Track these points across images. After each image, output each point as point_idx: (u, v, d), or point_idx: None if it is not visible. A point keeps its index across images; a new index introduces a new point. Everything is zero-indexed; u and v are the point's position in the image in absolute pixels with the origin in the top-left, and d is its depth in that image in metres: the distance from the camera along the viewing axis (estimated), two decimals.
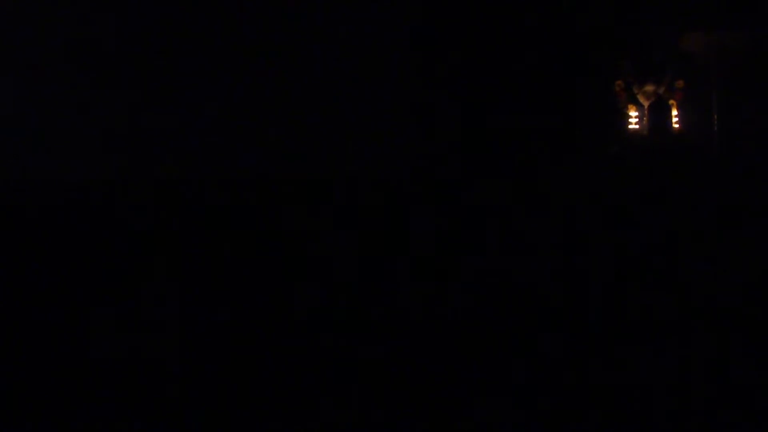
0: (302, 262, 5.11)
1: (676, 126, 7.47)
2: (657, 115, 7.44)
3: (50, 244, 5.53)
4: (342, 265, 5.07)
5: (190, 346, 3.70)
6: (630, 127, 7.51)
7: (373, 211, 6.15)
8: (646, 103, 7.50)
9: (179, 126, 7.99)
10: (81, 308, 4.28)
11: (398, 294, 4.60)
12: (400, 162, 7.40)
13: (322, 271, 4.99)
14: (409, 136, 7.52)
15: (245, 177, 7.41)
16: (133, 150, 7.95)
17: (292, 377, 3.35)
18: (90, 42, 8.11)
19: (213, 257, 5.29)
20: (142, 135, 8.01)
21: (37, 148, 8.04)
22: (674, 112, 7.47)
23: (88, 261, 5.19)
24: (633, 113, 7.51)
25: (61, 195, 6.86)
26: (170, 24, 8.07)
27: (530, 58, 7.43)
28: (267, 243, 5.58)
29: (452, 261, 5.07)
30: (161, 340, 3.73)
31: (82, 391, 3.13)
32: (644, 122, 7.49)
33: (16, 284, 4.73)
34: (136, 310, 4.24)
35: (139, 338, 3.81)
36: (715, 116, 7.50)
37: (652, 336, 3.95)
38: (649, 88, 7.47)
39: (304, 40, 7.90)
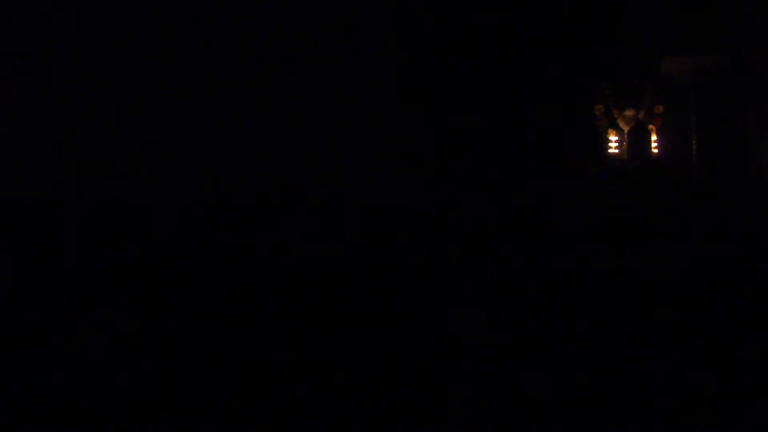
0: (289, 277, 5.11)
1: (656, 151, 7.51)
2: (636, 140, 7.48)
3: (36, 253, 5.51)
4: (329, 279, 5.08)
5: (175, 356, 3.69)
6: (610, 151, 7.55)
7: (361, 228, 6.15)
8: (626, 128, 7.54)
9: (161, 146, 8.01)
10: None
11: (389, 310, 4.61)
12: (387, 182, 7.45)
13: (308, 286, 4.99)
14: (395, 159, 7.57)
15: (235, 195, 7.42)
16: (107, 168, 7.98)
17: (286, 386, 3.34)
18: (85, 54, 8.12)
19: (198, 273, 5.29)
20: (127, 153, 8.04)
21: (34, 162, 8.05)
22: (653, 137, 7.51)
23: (76, 280, 5.17)
24: (613, 138, 7.55)
25: (50, 211, 6.83)
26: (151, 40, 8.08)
27: (510, 82, 7.47)
28: (254, 258, 5.57)
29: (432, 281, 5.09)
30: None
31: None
32: (624, 147, 7.54)
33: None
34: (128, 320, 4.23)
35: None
36: (694, 141, 7.56)
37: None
38: (629, 112, 7.52)
39: (294, 61, 7.95)
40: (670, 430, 3.25)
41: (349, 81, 7.85)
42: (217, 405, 3.30)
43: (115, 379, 3.49)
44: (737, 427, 3.29)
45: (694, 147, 7.59)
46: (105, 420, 3.12)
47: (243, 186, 7.75)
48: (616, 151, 7.53)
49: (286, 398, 3.34)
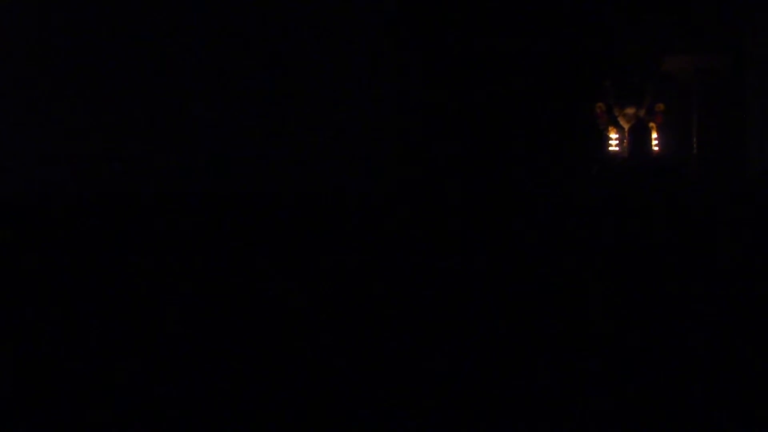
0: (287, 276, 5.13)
1: (656, 149, 7.54)
2: (637, 137, 7.51)
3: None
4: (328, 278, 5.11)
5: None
6: (611, 149, 7.57)
7: (359, 226, 6.18)
8: (626, 126, 7.57)
9: (165, 144, 8.05)
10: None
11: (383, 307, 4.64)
12: (386, 179, 7.48)
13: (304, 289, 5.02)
14: (396, 156, 7.59)
15: (235, 192, 7.43)
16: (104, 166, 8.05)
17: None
18: (84, 54, 8.16)
19: (198, 270, 5.32)
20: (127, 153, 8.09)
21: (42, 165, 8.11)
22: (654, 135, 7.54)
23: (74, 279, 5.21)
24: (614, 135, 7.58)
25: (56, 209, 6.88)
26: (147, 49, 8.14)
27: (512, 81, 7.50)
28: (256, 257, 5.60)
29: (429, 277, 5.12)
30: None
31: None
32: (624, 145, 7.56)
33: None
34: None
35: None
36: (694, 139, 7.59)
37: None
38: (630, 110, 7.55)
39: (296, 62, 7.98)
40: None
41: (350, 83, 7.88)
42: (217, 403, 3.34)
43: (118, 379, 3.53)
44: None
45: (694, 145, 7.63)
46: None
47: (243, 186, 7.77)
48: (617, 148, 7.57)
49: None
